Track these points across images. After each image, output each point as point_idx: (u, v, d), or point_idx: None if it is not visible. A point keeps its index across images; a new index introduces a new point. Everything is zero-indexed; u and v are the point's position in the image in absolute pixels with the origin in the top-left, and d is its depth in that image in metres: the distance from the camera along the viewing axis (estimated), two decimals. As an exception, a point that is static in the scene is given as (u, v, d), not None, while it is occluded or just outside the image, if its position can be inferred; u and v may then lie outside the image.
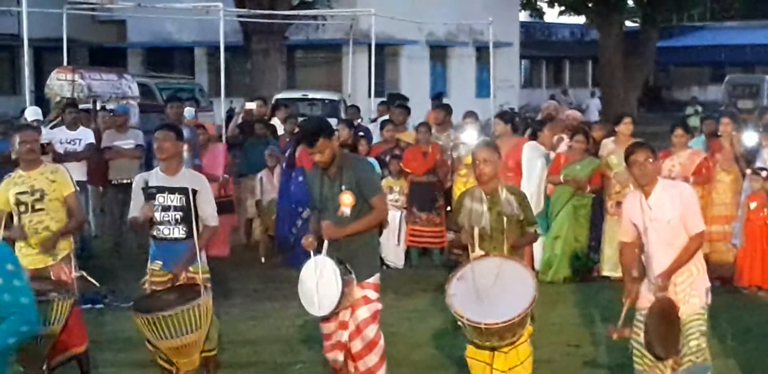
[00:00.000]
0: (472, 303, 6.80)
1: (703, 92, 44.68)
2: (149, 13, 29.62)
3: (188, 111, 14.71)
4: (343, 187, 7.11)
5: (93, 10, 26.51)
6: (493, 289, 6.81)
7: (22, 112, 16.14)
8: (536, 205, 11.94)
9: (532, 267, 12.16)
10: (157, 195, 7.65)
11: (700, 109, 35.38)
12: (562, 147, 12.63)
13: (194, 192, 7.70)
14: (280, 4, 26.25)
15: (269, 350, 8.88)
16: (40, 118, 13.50)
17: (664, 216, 6.85)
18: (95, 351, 8.35)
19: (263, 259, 12.71)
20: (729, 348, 8.87)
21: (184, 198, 7.65)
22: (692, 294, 6.93)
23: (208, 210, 7.82)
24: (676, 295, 6.83)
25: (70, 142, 13.24)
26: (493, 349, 6.94)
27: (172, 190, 7.67)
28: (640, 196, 7.00)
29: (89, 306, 9.89)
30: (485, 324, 6.69)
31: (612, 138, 12.39)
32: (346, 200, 7.06)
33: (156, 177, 7.78)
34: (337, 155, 7.28)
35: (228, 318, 9.93)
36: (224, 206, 13.81)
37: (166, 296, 7.58)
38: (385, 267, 12.90)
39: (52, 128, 13.23)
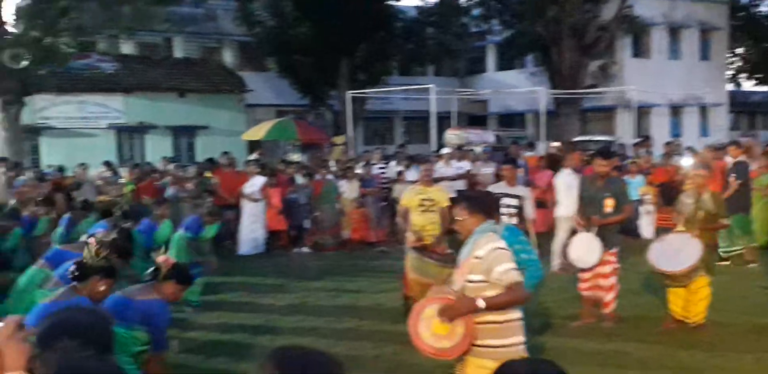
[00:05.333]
0: (663, 258, 6.53)
1: None
2: (500, 95, 29.92)
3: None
4: (606, 194, 6.84)
5: (470, 94, 27.10)
6: (676, 252, 6.48)
7: (432, 152, 16.80)
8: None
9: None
10: (503, 198, 7.65)
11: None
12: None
13: (523, 198, 7.76)
14: (578, 86, 25.62)
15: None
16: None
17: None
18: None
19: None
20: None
21: (517, 201, 7.71)
22: None
23: (528, 208, 7.82)
24: None
25: (456, 169, 13.53)
26: (682, 286, 6.59)
27: (511, 196, 7.73)
28: None
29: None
30: (661, 270, 6.54)
31: None
32: (609, 203, 6.82)
33: (501, 187, 7.86)
34: (609, 173, 7.06)
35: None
36: (542, 203, 13.63)
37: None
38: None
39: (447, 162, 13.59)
